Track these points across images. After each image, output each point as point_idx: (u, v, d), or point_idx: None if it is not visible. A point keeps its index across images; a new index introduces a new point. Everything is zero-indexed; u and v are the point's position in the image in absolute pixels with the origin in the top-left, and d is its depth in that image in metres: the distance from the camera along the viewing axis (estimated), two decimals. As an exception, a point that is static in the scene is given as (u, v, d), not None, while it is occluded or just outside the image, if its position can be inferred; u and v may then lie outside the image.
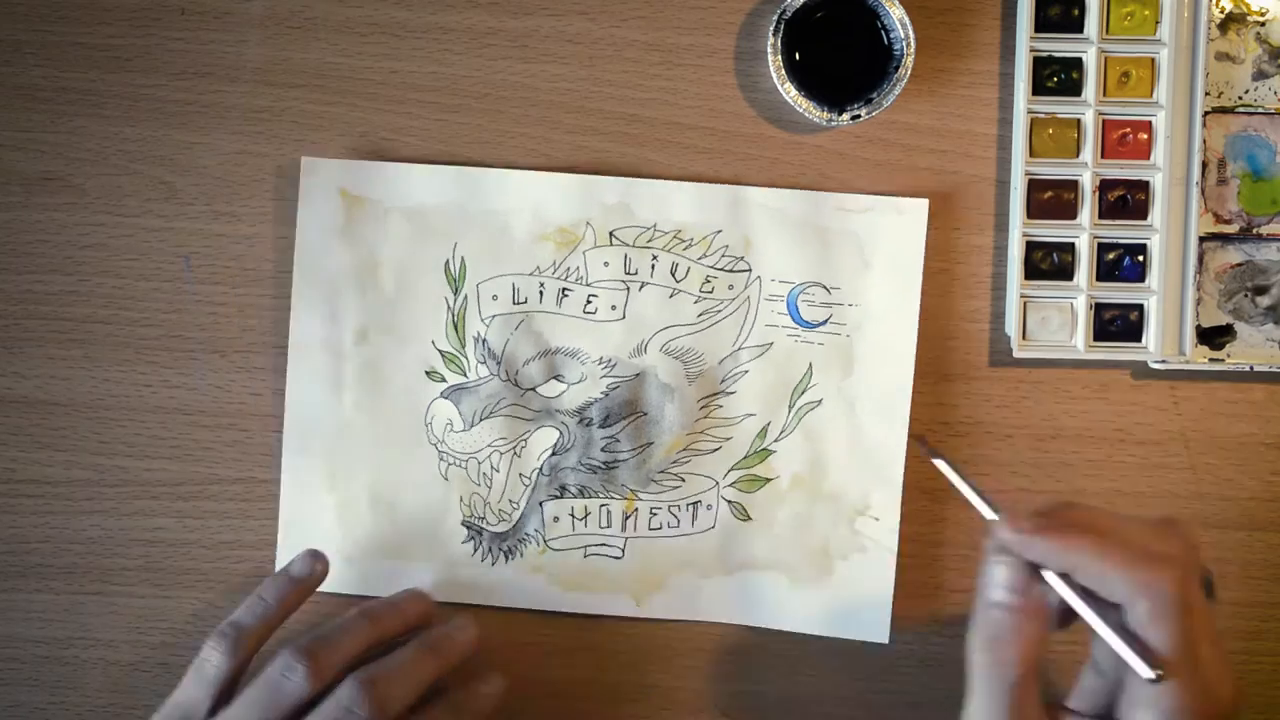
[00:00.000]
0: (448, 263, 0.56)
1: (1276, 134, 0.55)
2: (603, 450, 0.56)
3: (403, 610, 0.55)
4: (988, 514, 0.44)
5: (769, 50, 0.53)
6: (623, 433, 0.56)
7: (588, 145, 0.56)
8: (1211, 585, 0.44)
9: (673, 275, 0.56)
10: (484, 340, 0.56)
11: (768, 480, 0.56)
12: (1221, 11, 0.55)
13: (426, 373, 0.56)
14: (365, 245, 0.56)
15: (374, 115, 0.56)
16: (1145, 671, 0.40)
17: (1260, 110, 0.55)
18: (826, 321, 0.56)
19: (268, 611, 0.53)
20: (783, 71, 0.53)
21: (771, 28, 0.53)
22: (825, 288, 0.56)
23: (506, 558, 0.57)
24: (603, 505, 0.56)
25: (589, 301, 0.56)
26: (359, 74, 0.56)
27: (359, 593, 0.57)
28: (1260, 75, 0.56)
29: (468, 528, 0.57)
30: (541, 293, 0.56)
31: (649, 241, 0.56)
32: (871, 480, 0.56)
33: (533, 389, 0.56)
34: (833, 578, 0.56)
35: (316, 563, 0.55)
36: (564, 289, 0.56)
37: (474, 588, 0.57)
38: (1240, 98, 0.56)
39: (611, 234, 0.56)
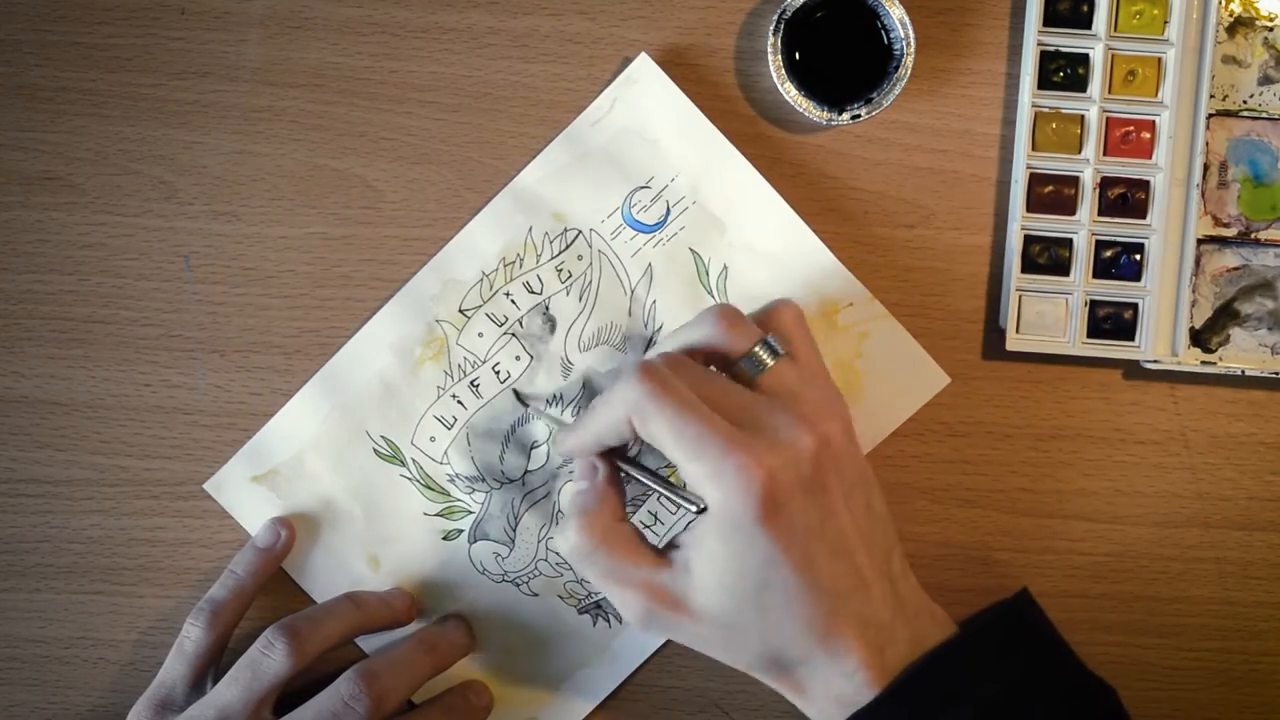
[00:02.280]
0: (375, 450, 0.56)
1: (1279, 139, 0.55)
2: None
3: (390, 604, 0.55)
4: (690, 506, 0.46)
5: (769, 50, 0.53)
6: None
7: (588, 145, 0.56)
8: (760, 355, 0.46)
9: (533, 292, 0.56)
10: (456, 475, 0.56)
11: None
12: (1230, 15, 0.55)
13: (444, 538, 0.56)
14: None
15: (374, 115, 0.56)
16: (690, 509, 0.45)
17: (1264, 115, 0.55)
18: (668, 209, 0.56)
19: (239, 584, 0.54)
20: (783, 71, 0.53)
21: (771, 28, 0.53)
22: (641, 189, 0.56)
23: None
24: (659, 496, 0.56)
25: (496, 372, 0.56)
26: (359, 74, 0.56)
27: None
28: (1266, 80, 0.55)
29: (586, 612, 0.56)
30: (457, 400, 0.56)
31: (491, 288, 0.56)
32: (816, 283, 0.56)
33: (526, 472, 0.56)
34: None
35: (280, 528, 0.55)
36: (471, 382, 0.56)
37: (641, 644, 0.56)
38: (1245, 102, 0.55)
39: (463, 312, 0.56)
